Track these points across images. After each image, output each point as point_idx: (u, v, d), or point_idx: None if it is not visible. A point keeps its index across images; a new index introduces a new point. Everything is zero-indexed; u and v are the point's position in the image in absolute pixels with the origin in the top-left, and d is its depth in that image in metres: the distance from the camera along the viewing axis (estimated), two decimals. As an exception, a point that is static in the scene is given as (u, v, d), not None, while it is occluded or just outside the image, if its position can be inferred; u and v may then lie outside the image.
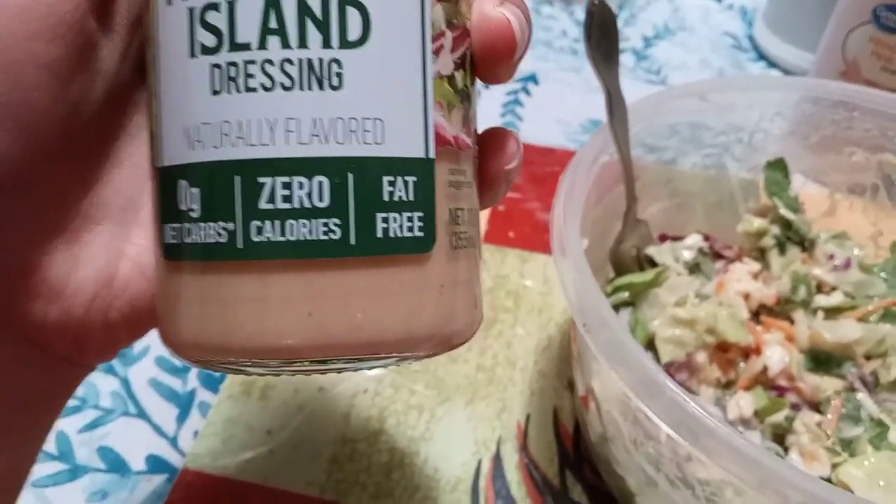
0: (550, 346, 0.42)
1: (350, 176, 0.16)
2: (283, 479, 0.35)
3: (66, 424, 0.37)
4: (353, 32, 0.16)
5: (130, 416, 0.38)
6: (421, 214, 0.17)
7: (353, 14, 0.16)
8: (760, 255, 0.42)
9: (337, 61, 0.16)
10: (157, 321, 0.18)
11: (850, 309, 0.40)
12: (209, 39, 0.16)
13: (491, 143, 0.20)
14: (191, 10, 0.16)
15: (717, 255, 0.43)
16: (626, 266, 0.41)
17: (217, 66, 0.16)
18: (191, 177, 0.16)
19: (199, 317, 0.17)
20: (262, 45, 0.16)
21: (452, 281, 0.18)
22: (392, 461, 0.36)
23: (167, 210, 0.17)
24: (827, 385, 0.38)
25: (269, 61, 0.15)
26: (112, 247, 0.19)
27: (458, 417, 0.38)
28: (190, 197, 0.16)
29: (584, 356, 0.34)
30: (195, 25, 0.16)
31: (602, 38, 0.33)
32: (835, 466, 0.34)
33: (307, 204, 0.16)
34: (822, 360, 0.39)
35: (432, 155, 0.17)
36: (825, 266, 0.41)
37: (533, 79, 0.62)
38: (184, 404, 0.38)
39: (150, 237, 0.20)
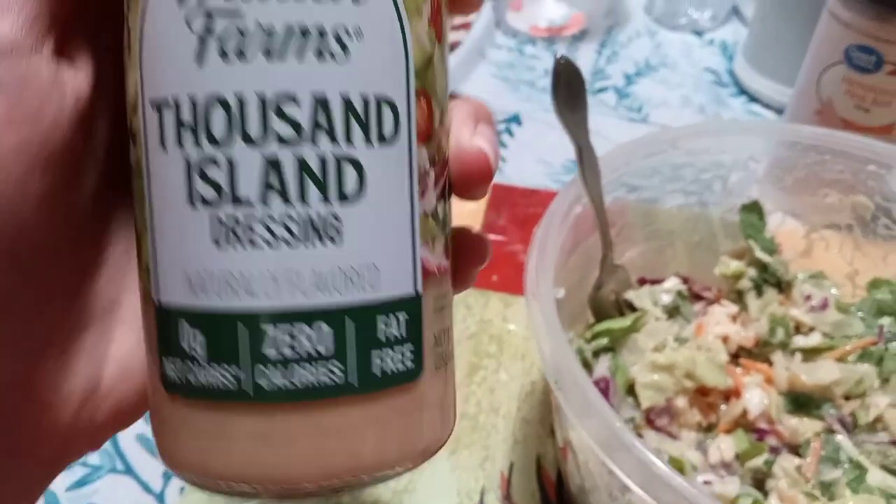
0: (534, 392, 0.43)
1: (348, 321, 0.17)
2: (267, 534, 0.36)
3: (55, 483, 0.38)
4: (350, 188, 0.16)
5: (118, 472, 0.38)
6: (412, 347, 0.18)
7: (349, 171, 0.16)
8: (738, 297, 0.42)
9: (336, 216, 0.16)
10: (155, 436, 0.19)
11: (828, 349, 0.41)
12: (209, 193, 0.16)
13: (466, 247, 0.21)
14: (188, 162, 0.16)
15: (697, 297, 0.44)
16: (606, 311, 0.41)
17: (218, 218, 0.16)
18: (193, 321, 0.17)
19: (202, 448, 0.17)
20: (264, 202, 0.16)
21: (437, 398, 0.19)
22: (376, 513, 0.37)
23: (166, 344, 0.17)
24: (806, 427, 0.39)
25: (271, 217, 0.16)
26: (97, 352, 0.19)
27: (441, 467, 0.38)
28: (193, 338, 0.17)
29: (561, 409, 0.35)
30: (194, 177, 0.16)
31: (569, 95, 0.34)
32: (813, 512, 0.34)
33: (310, 349, 0.16)
34: (802, 401, 0.39)
35: (420, 290, 0.18)
36: (803, 307, 0.42)
37: (516, 119, 0.63)
38: (170, 459, 0.39)
39: (131, 336, 0.20)
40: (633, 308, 0.42)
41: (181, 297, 0.17)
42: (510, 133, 0.61)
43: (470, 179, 0.19)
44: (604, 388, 0.39)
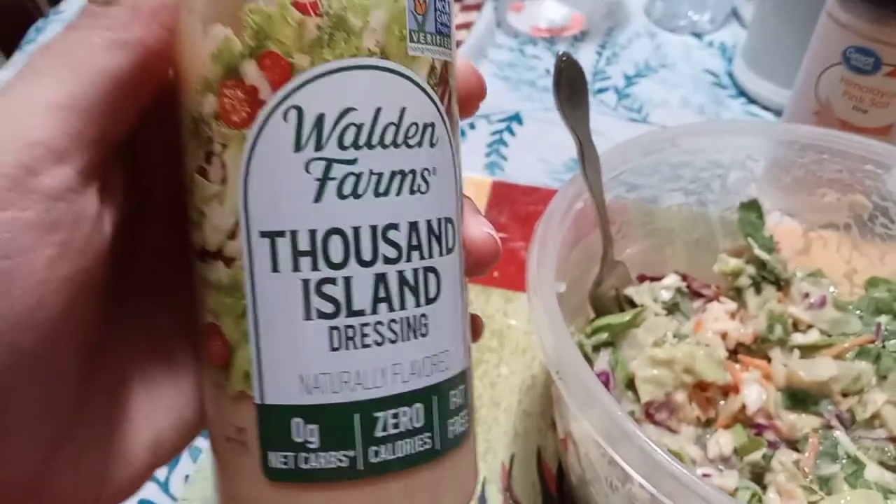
0: (535, 385, 0.43)
1: (434, 399, 0.20)
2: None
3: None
4: (433, 291, 0.20)
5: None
6: (466, 411, 0.22)
7: (431, 278, 0.20)
8: (737, 294, 0.43)
9: (424, 315, 0.20)
10: None
11: (826, 346, 0.41)
12: (327, 307, 0.19)
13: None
14: (305, 282, 0.19)
15: (696, 294, 0.45)
16: (606, 307, 0.42)
17: (335, 328, 0.19)
18: (308, 416, 0.19)
19: None
20: (374, 311, 0.19)
21: (474, 449, 0.23)
22: None
23: (273, 439, 0.20)
24: (804, 423, 0.39)
25: (380, 322, 0.19)
26: (105, 446, 0.20)
27: (442, 460, 0.39)
28: (307, 431, 0.19)
29: (561, 400, 0.35)
30: (311, 295, 0.19)
31: (571, 92, 0.34)
32: (811, 505, 0.34)
33: (409, 426, 0.20)
34: (800, 397, 0.40)
35: (469, 362, 0.22)
36: (801, 304, 0.42)
37: (517, 118, 0.63)
38: (173, 451, 0.39)
39: (130, 435, 0.21)
40: (633, 304, 0.42)
41: (294, 397, 0.19)
42: (511, 132, 0.62)
43: (485, 261, 0.23)
44: (604, 382, 0.39)
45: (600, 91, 0.66)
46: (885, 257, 0.43)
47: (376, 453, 0.20)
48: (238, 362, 0.20)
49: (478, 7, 0.76)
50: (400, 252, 0.20)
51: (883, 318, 0.41)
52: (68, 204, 0.17)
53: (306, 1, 0.18)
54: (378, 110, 0.19)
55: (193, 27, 0.19)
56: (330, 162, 0.19)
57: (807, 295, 0.42)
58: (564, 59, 0.33)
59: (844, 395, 0.40)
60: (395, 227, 0.19)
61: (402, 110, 0.19)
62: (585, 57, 0.71)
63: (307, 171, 0.18)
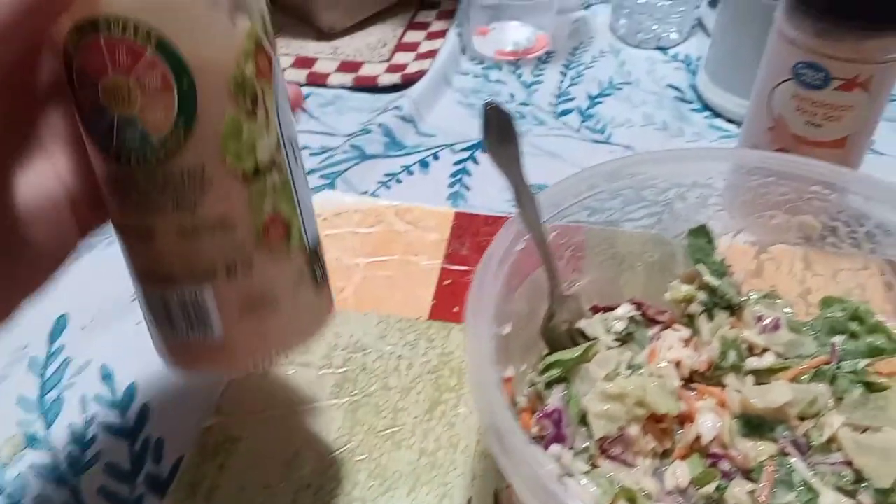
0: (495, 423, 0.43)
1: None
2: (227, 581, 0.36)
3: None
4: None
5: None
6: None
7: None
8: (690, 321, 0.43)
9: None
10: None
11: (782, 370, 0.41)
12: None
13: None
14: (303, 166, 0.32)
15: (652, 321, 0.44)
16: (560, 342, 0.42)
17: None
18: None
19: None
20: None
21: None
22: (335, 556, 0.37)
23: (320, 268, 0.33)
24: (761, 450, 0.39)
25: None
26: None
27: (400, 505, 0.39)
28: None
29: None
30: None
31: (500, 137, 0.34)
32: (762, 539, 0.34)
33: None
34: (755, 424, 0.40)
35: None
36: (755, 328, 0.42)
37: (481, 146, 0.63)
38: (132, 510, 0.39)
39: None
40: (586, 337, 0.42)
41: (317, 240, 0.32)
42: (475, 160, 0.62)
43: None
44: (557, 419, 0.39)
45: (563, 113, 0.66)
46: (838, 276, 0.42)
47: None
48: (293, 231, 0.29)
49: (442, 34, 0.76)
50: None
51: (838, 339, 0.41)
52: None
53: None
54: None
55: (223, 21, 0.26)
56: None
57: (760, 318, 0.42)
58: (490, 107, 0.33)
59: (802, 418, 0.40)
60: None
61: None
62: (551, 79, 0.71)
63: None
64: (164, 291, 0.28)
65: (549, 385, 0.40)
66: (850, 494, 0.37)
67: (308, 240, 0.30)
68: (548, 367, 0.40)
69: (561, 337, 0.42)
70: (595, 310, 0.44)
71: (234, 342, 0.28)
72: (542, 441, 0.39)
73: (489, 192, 0.59)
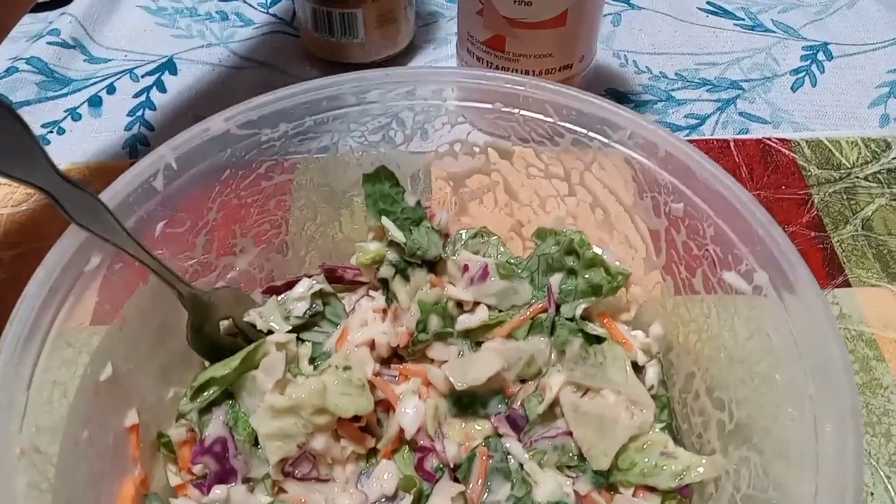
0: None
1: None
2: None
3: None
4: None
5: None
6: None
7: None
8: (384, 286, 0.35)
9: None
10: None
11: (497, 324, 0.34)
12: None
13: None
14: None
15: (351, 283, 0.36)
16: (225, 348, 0.33)
17: None
18: None
19: None
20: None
21: None
22: None
23: None
24: (475, 432, 0.33)
25: None
26: None
27: None
28: None
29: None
30: None
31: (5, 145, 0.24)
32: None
33: None
34: (466, 402, 0.33)
35: None
36: (461, 282, 0.35)
37: (170, 66, 0.51)
38: None
39: None
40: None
41: None
42: (163, 88, 0.49)
43: None
44: (220, 452, 0.31)
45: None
46: (545, 204, 0.35)
47: None
48: None
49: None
50: None
51: (554, 278, 0.34)
52: None
53: None
54: None
55: None
56: None
57: (466, 268, 0.35)
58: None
59: (523, 380, 0.34)
60: None
61: None
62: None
63: None
64: (331, 10, 0.46)
65: (205, 410, 0.32)
66: (576, 468, 0.32)
67: None
68: (200, 388, 0.31)
69: (224, 342, 0.33)
70: (269, 291, 0.35)
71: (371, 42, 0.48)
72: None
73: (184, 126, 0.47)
